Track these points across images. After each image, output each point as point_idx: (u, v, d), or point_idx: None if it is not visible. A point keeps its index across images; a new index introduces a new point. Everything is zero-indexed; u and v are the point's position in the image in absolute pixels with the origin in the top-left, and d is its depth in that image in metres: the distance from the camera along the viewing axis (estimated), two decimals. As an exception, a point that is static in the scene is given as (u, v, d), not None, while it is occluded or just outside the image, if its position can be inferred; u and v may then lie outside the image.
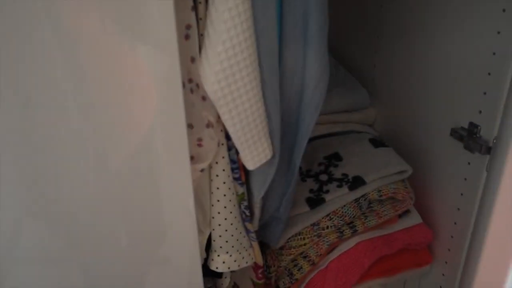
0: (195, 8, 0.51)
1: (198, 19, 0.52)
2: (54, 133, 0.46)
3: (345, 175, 0.83)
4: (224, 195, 0.62)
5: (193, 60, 0.52)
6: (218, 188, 0.62)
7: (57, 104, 0.45)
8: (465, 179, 0.74)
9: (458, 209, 0.77)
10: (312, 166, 0.89)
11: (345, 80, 1.06)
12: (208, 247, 0.67)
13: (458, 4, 0.72)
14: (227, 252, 0.66)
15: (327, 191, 0.81)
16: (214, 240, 0.66)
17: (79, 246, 0.53)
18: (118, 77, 0.47)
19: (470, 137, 0.71)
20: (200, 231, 0.65)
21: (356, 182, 0.80)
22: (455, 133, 0.75)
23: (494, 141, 0.66)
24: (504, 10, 0.62)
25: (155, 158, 0.52)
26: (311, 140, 0.69)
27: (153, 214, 0.56)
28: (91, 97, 0.46)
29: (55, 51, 0.43)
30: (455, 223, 0.78)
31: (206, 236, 0.66)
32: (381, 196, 0.79)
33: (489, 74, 0.67)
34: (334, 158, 0.88)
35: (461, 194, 0.75)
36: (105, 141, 0.49)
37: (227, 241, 0.65)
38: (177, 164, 0.53)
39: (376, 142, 0.90)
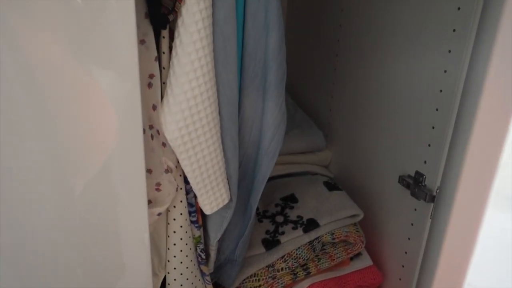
0: (158, 58, 0.53)
1: (161, 68, 0.54)
2: (12, 165, 0.45)
3: (300, 217, 0.85)
4: (181, 239, 0.62)
5: (154, 107, 0.53)
6: (174, 232, 0.62)
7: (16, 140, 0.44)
8: (412, 224, 0.78)
9: (406, 252, 0.81)
10: (269, 206, 0.91)
11: (302, 122, 1.10)
12: (162, 290, 0.67)
13: (403, 64, 0.78)
14: (181, 296, 0.66)
15: (283, 233, 0.83)
16: (168, 284, 0.65)
17: (33, 281, 0.51)
18: (79, 119, 0.47)
19: (416, 185, 0.75)
20: (154, 274, 0.64)
21: (310, 225, 0.82)
22: (403, 181, 0.79)
23: (437, 190, 0.71)
24: (445, 71, 0.68)
25: (113, 201, 0.52)
26: (269, 180, 0.72)
27: (108, 254, 0.55)
28: (49, 133, 0.46)
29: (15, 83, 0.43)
30: (403, 266, 0.82)
31: (161, 280, 0.65)
32: (334, 239, 0.82)
33: (433, 128, 0.72)
34: (290, 200, 0.91)
35: (408, 239, 0.79)
36: (63, 179, 0.49)
37: (181, 285, 0.65)
38: (134, 207, 0.54)
39: (330, 186, 0.93)
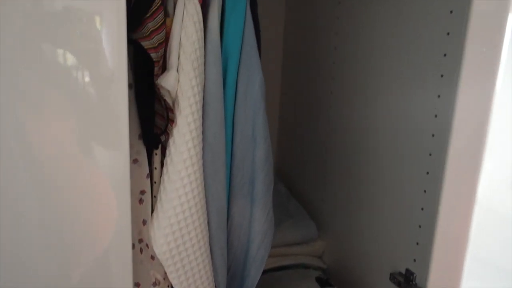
0: (150, 174, 0.56)
1: (152, 183, 0.57)
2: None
3: (293, 317, 0.84)
4: None
5: (144, 222, 0.55)
6: None
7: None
8: (406, 325, 0.77)
9: None
10: (261, 305, 0.89)
11: (295, 212, 1.11)
12: None
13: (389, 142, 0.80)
14: None
15: (275, 335, 0.81)
16: None
17: None
18: (69, 235, 0.49)
19: (407, 284, 0.75)
20: None
21: (303, 326, 0.81)
22: (394, 278, 0.78)
23: (428, 292, 0.71)
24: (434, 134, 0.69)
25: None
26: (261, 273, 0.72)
27: None
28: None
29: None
30: None
31: None
32: None
33: (419, 226, 0.73)
34: (283, 298, 0.90)
35: None
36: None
37: None
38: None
39: (322, 282, 0.92)
